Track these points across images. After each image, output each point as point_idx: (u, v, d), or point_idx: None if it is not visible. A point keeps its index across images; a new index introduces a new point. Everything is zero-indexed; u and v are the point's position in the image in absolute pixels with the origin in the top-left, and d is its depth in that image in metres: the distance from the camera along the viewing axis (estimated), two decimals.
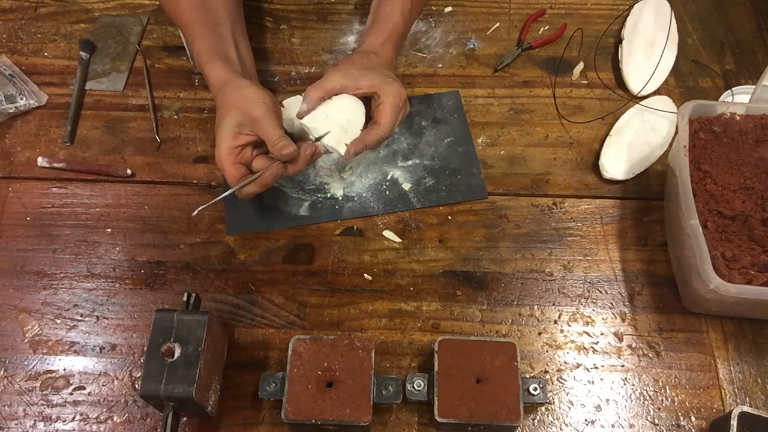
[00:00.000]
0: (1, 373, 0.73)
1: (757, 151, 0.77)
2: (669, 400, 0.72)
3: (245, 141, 0.74)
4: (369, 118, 0.77)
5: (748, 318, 0.76)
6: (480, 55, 0.97)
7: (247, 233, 0.82)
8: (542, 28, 1.00)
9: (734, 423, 0.64)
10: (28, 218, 0.83)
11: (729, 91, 0.90)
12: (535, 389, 0.68)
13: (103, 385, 0.72)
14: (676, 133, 0.78)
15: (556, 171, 0.87)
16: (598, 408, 0.72)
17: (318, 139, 0.74)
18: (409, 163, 0.87)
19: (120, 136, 0.89)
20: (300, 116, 0.75)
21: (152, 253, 0.80)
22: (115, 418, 0.70)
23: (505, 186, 0.86)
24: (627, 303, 0.78)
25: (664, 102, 0.91)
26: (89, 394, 0.72)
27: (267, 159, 0.74)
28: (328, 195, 0.85)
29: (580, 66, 0.96)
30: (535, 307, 0.77)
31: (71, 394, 0.72)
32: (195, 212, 0.72)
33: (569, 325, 0.76)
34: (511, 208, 0.84)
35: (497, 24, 1.01)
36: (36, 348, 0.74)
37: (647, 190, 0.86)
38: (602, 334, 0.76)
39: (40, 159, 0.86)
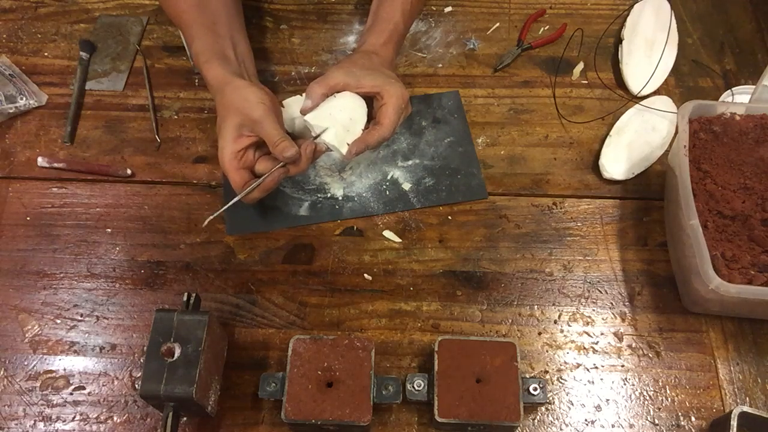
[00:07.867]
0: (1, 373, 0.73)
1: (757, 151, 0.77)
2: (669, 400, 0.72)
3: (248, 142, 0.74)
4: (370, 118, 0.77)
5: (748, 318, 0.76)
6: (480, 55, 0.97)
7: (247, 233, 0.82)
8: (542, 28, 1.00)
9: (734, 423, 0.64)
10: (28, 218, 0.83)
11: (729, 91, 0.90)
12: (535, 389, 0.68)
13: (103, 385, 0.72)
14: (676, 133, 0.78)
15: (556, 171, 0.87)
16: (598, 408, 0.72)
17: (317, 136, 0.74)
18: (409, 163, 0.87)
19: (120, 136, 0.89)
20: (303, 112, 0.75)
21: (152, 253, 0.80)
22: (115, 418, 0.71)
23: (505, 186, 0.86)
24: (627, 303, 0.78)
25: (664, 102, 0.91)
26: (89, 394, 0.72)
27: (270, 160, 0.74)
28: (328, 195, 0.85)
29: (580, 66, 0.96)
30: (535, 307, 0.77)
31: (71, 394, 0.72)
32: (205, 223, 0.73)
33: (569, 325, 0.76)
34: (511, 208, 0.84)
35: (497, 24, 1.01)
36: (36, 348, 0.74)
37: (647, 190, 0.86)
38: (602, 334, 0.76)
39: (40, 159, 0.86)
